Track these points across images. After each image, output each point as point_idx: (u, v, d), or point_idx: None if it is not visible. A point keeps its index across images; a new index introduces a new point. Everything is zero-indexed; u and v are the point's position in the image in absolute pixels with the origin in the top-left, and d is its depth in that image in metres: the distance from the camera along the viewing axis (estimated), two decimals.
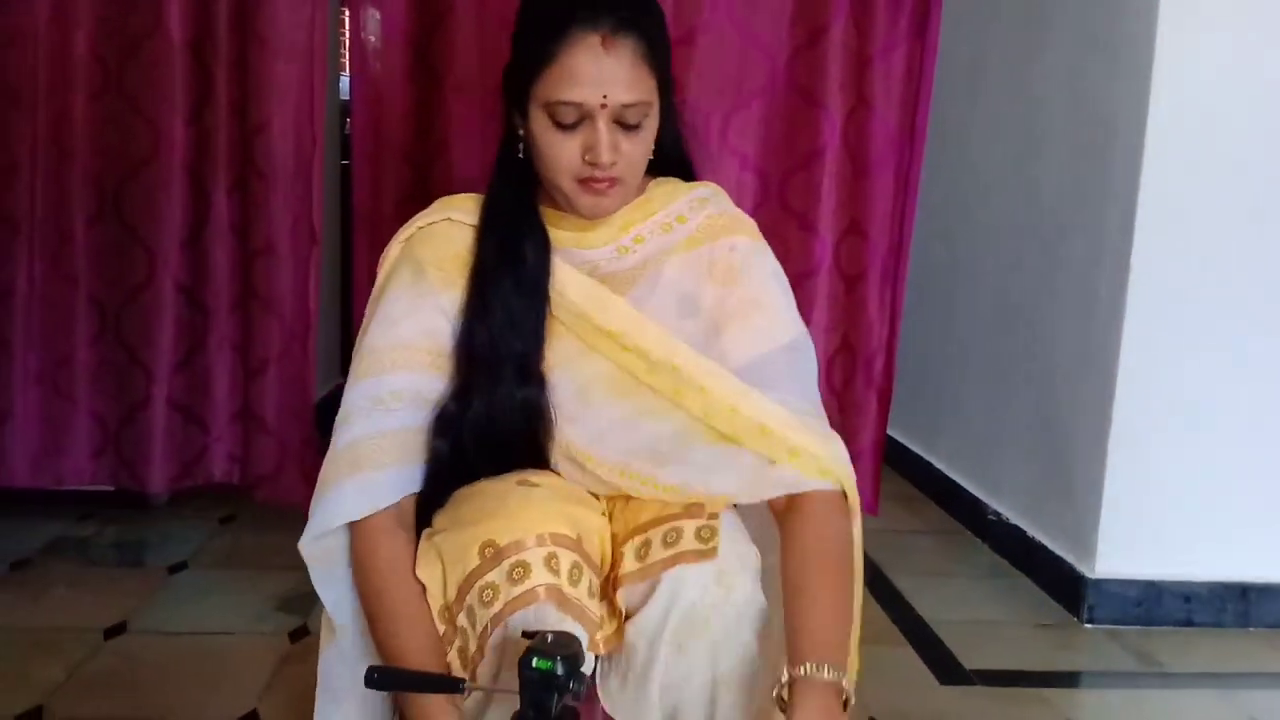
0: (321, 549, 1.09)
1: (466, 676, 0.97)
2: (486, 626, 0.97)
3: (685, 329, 1.10)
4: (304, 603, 1.99)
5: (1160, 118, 1.99)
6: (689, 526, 1.01)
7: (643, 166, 1.09)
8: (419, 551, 1.04)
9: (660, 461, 1.05)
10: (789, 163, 2.11)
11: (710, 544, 1.00)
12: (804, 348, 1.13)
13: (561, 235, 1.12)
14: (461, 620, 0.99)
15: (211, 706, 1.62)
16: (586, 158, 1.03)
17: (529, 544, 0.97)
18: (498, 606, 0.96)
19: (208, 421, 2.24)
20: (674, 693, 1.00)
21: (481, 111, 1.96)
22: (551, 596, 0.97)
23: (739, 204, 2.20)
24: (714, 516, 1.02)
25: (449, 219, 1.13)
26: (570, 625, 0.97)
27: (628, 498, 1.10)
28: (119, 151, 2.13)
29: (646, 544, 1.01)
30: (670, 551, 1.00)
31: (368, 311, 1.13)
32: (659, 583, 0.99)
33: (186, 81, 2.10)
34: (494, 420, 1.07)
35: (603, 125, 1.02)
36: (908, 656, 1.93)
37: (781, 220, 2.10)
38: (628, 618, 1.02)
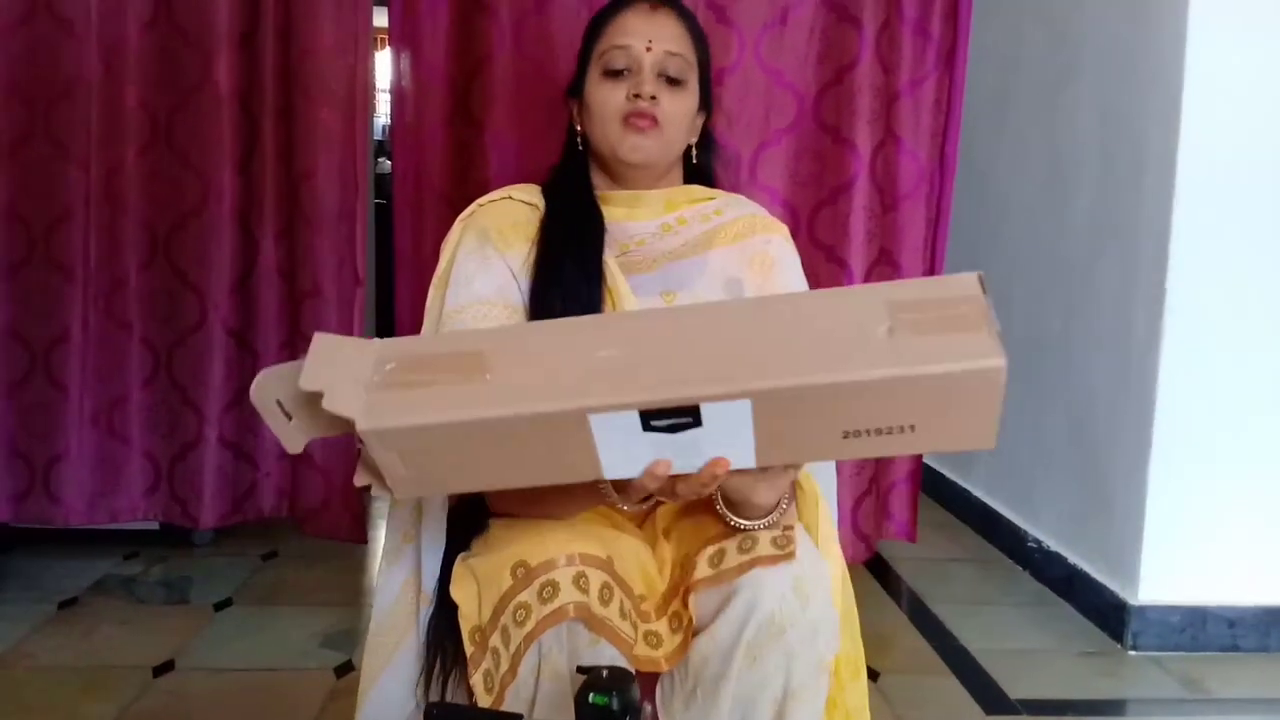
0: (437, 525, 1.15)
1: (490, 700, 0.99)
2: (520, 646, 0.99)
3: None
4: (348, 639, 2.02)
5: (1192, 143, 1.99)
6: (764, 535, 1.02)
7: (682, 130, 1.22)
8: (454, 574, 1.07)
9: None
10: (818, 197, 2.13)
11: (787, 549, 1.01)
12: None
13: (613, 212, 1.24)
14: (495, 641, 1.01)
15: None
16: (631, 92, 1.18)
17: (559, 563, 1.00)
18: (530, 625, 0.98)
19: (257, 459, 2.28)
20: (743, 705, 1.01)
21: (519, 155, 2.01)
22: (580, 614, 0.99)
23: None
24: (790, 528, 1.03)
25: (509, 197, 1.25)
26: (602, 647, 0.99)
27: (690, 518, 1.13)
28: (169, 201, 2.20)
29: (721, 552, 1.03)
30: (746, 557, 1.01)
31: (434, 292, 1.23)
32: (735, 592, 1.00)
33: (234, 132, 2.17)
34: None
35: (647, 70, 1.18)
36: (952, 687, 1.93)
37: (810, 253, 2.13)
38: (698, 632, 1.03)
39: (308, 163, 2.13)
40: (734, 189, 1.36)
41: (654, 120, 1.18)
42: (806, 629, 1.00)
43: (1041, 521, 2.54)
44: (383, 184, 3.71)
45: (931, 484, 3.01)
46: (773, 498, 1.00)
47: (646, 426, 0.79)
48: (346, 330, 2.19)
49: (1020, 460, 2.66)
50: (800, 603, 1.00)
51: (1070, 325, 2.42)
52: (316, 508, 2.25)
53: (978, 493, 2.88)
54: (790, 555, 1.00)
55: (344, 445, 2.24)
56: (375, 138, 3.55)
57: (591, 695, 0.85)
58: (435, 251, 2.13)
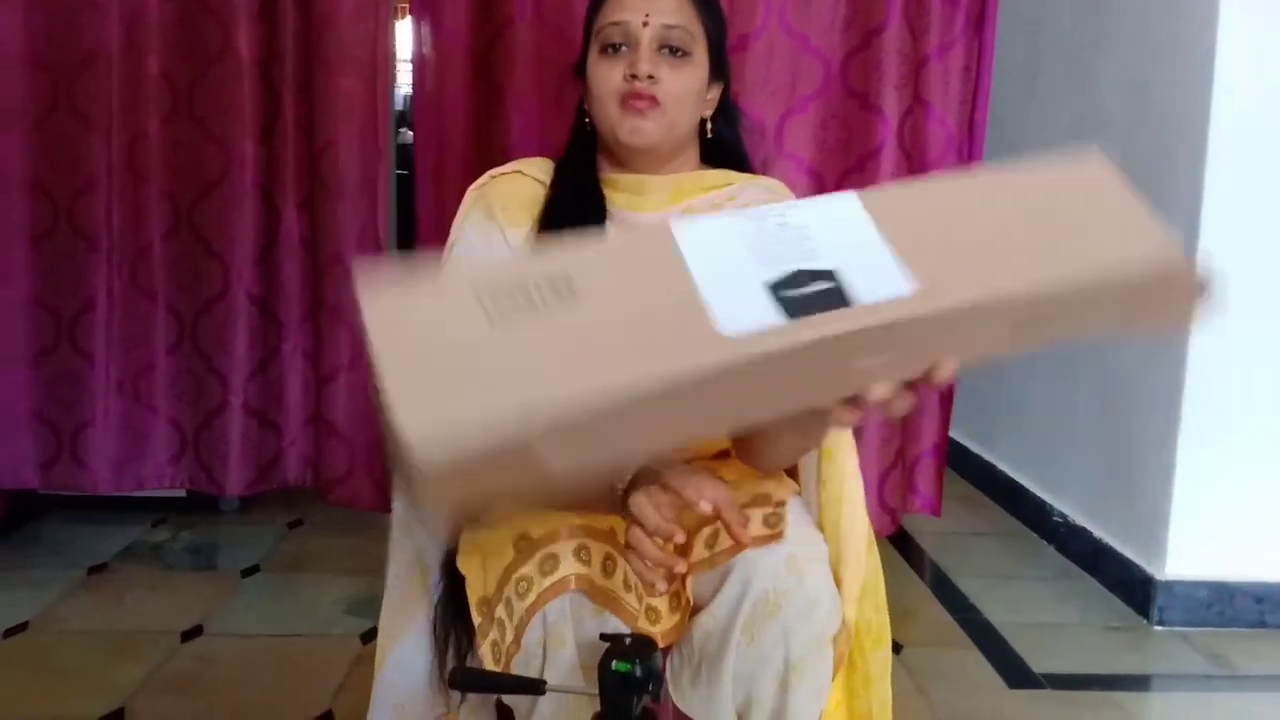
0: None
1: (499, 669, 0.99)
2: (522, 618, 0.99)
3: None
4: (373, 605, 2.02)
5: (1223, 113, 1.95)
6: (756, 514, 1.02)
7: (688, 106, 1.16)
8: (460, 546, 1.07)
9: None
10: (845, 165, 2.10)
11: (776, 529, 1.01)
12: None
13: (618, 198, 1.19)
14: (500, 613, 1.01)
15: (287, 707, 1.67)
16: (628, 72, 1.12)
17: (561, 535, 1.00)
18: (531, 598, 0.99)
19: (282, 427, 2.29)
20: (746, 683, 1.01)
21: (541, 122, 1.99)
22: (582, 586, 0.99)
23: None
24: (780, 504, 1.03)
25: (519, 172, 1.22)
26: (606, 618, 1.00)
27: None
28: (191, 171, 2.19)
29: (716, 533, 1.02)
30: None
31: (445, 256, 1.22)
32: (730, 572, 1.00)
33: (255, 101, 2.15)
34: None
35: (645, 46, 1.12)
36: (976, 660, 1.92)
37: None
38: (697, 610, 1.04)
39: (329, 132, 2.12)
40: (764, 160, 1.31)
41: (653, 100, 1.12)
42: (802, 604, 0.99)
43: (1067, 495, 2.52)
44: (405, 154, 3.71)
45: (956, 457, 2.99)
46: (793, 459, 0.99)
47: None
48: None
49: (1045, 434, 2.64)
50: (795, 579, 0.99)
51: None
52: (341, 476, 2.26)
53: (1003, 466, 2.86)
54: (780, 535, 1.00)
55: (366, 413, 2.24)
56: (397, 108, 3.55)
57: (614, 662, 0.85)
58: None
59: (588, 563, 1.00)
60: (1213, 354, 2.01)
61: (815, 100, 2.07)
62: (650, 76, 1.11)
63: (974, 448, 3.03)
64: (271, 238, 2.23)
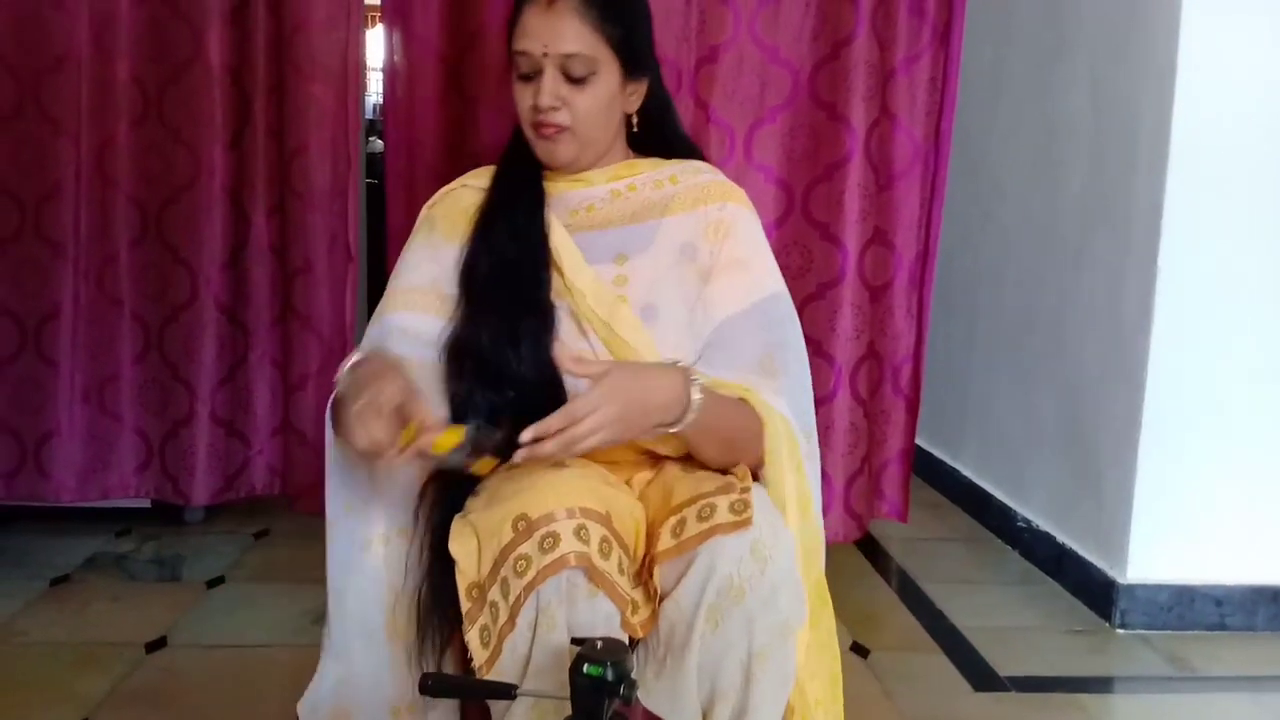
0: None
1: (487, 655, 1.00)
2: (520, 595, 1.00)
3: (684, 273, 1.23)
4: None
5: (1185, 120, 2.00)
6: (723, 501, 1.03)
7: (599, 122, 1.22)
8: (453, 529, 1.08)
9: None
10: (812, 175, 2.12)
11: (744, 515, 1.02)
12: (779, 301, 1.26)
13: (559, 185, 1.27)
14: (494, 594, 1.02)
15: (252, 719, 1.65)
16: (536, 101, 1.18)
17: (559, 516, 1.01)
18: (530, 575, 0.99)
19: (249, 436, 2.27)
20: (710, 671, 1.02)
21: (514, 130, 2.00)
22: (581, 563, 1.00)
23: (763, 217, 2.21)
24: (747, 490, 1.05)
25: (464, 185, 1.31)
26: (600, 600, 1.01)
27: (661, 483, 1.14)
28: (160, 176, 2.18)
29: (682, 522, 1.04)
30: (705, 525, 1.02)
31: (396, 270, 1.29)
32: (695, 558, 1.02)
33: (226, 107, 2.15)
34: (508, 342, 1.18)
35: (548, 74, 1.17)
36: (941, 664, 1.94)
37: (805, 232, 2.12)
38: (663, 599, 1.04)
39: (300, 139, 2.12)
40: (721, 162, 1.36)
41: (560, 126, 1.19)
42: (766, 591, 1.01)
43: (1031, 501, 2.55)
44: (374, 163, 3.70)
45: (922, 464, 3.03)
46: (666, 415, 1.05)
47: None
48: (339, 307, 2.18)
49: (1010, 440, 2.67)
50: (758, 565, 1.01)
51: (1062, 305, 2.42)
52: (309, 485, 2.24)
53: (968, 472, 2.89)
54: (747, 521, 1.02)
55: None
56: (367, 116, 3.55)
57: (586, 666, 0.86)
58: None
59: (586, 542, 1.01)
60: (1173, 360, 2.05)
61: (784, 110, 2.09)
62: (554, 108, 1.18)
63: (940, 455, 3.06)
64: (240, 244, 2.21)
